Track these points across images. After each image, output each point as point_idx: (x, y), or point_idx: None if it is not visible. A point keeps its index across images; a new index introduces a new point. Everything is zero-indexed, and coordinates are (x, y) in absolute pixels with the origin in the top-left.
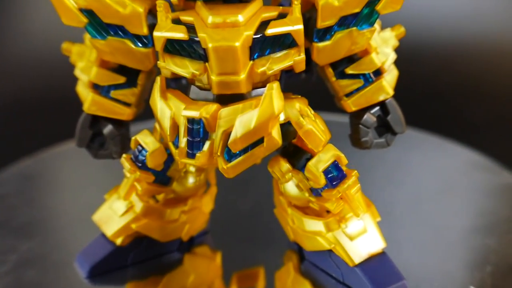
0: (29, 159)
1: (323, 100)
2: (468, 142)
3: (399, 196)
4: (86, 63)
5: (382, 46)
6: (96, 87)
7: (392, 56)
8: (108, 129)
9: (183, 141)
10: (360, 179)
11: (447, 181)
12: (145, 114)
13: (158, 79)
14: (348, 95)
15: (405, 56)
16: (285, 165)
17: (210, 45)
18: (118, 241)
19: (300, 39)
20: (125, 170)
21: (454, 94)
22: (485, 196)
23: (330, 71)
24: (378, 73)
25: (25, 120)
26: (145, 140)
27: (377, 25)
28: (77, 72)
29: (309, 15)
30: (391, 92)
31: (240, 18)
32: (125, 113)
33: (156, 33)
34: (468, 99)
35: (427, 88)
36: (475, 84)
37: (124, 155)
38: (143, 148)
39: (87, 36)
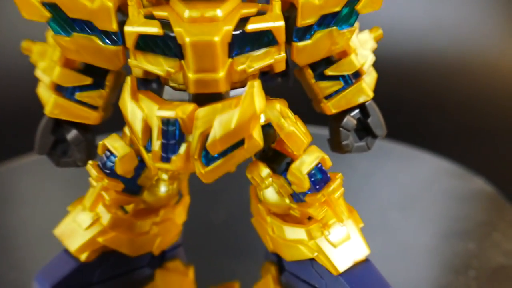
0: None
1: (296, 111)
2: (437, 151)
3: (374, 204)
4: (48, 63)
5: (360, 48)
6: (59, 89)
7: (371, 58)
8: (72, 134)
9: (156, 144)
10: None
11: (420, 188)
12: (112, 121)
13: (128, 79)
14: (328, 97)
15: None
16: (265, 170)
17: (187, 39)
18: (83, 257)
19: (281, 37)
20: (91, 178)
21: (420, 104)
22: (460, 202)
23: (309, 73)
24: (358, 75)
25: None
26: (114, 144)
27: (356, 25)
28: (38, 73)
29: (287, 15)
30: (371, 94)
31: (219, 12)
32: (91, 117)
33: (127, 28)
34: (435, 109)
35: (394, 99)
36: (441, 95)
37: (90, 162)
38: (111, 153)
39: (50, 33)
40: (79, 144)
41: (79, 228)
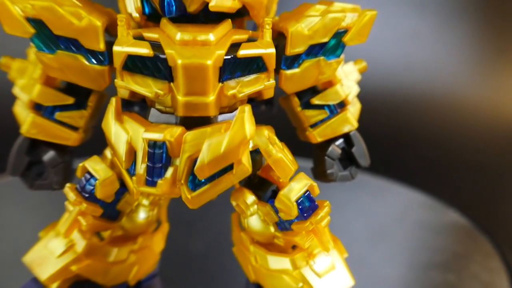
0: None
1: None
2: (411, 183)
3: (349, 236)
4: (27, 80)
5: (345, 79)
6: (38, 108)
7: (355, 89)
8: (49, 155)
9: (141, 167)
10: None
11: (395, 220)
12: (91, 143)
13: (113, 100)
14: (313, 126)
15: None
16: (250, 197)
17: (179, 61)
18: (54, 286)
19: (272, 64)
20: (68, 202)
21: (394, 138)
22: (436, 234)
23: (296, 101)
24: (343, 105)
25: None
26: (95, 167)
27: (342, 56)
28: (16, 90)
29: (276, 43)
30: (355, 124)
31: (211, 37)
32: (71, 138)
33: (116, 48)
34: (408, 143)
35: (368, 132)
36: (414, 129)
37: (68, 185)
38: (92, 176)
39: (31, 50)
40: (56, 166)
41: (51, 256)
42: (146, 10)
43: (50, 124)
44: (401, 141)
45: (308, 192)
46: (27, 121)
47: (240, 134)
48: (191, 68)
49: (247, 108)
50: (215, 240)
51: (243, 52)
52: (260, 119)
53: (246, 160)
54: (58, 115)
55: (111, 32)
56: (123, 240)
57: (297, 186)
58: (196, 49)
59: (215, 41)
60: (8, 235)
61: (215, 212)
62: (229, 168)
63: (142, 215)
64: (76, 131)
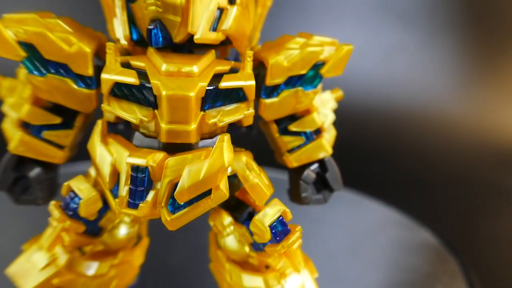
0: None
1: (260, 155)
2: (386, 199)
3: (323, 249)
4: (17, 99)
5: (322, 107)
6: (26, 126)
7: (331, 116)
8: (35, 172)
9: (124, 189)
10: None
11: (368, 237)
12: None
13: (99, 122)
14: (290, 151)
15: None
16: (227, 218)
17: (164, 92)
18: None
19: (251, 94)
20: (52, 218)
21: (371, 153)
22: (406, 253)
23: (274, 127)
24: (318, 131)
25: None
26: (80, 186)
27: (319, 86)
28: (5, 108)
29: (257, 72)
30: (330, 150)
31: (195, 68)
32: (56, 156)
33: (104, 76)
34: (386, 158)
35: (346, 145)
36: (392, 144)
37: (52, 202)
38: (76, 195)
39: (22, 71)
40: (41, 182)
41: (34, 268)
42: (134, 36)
43: (37, 142)
44: (382, 156)
45: (281, 217)
46: (15, 138)
47: (218, 162)
48: (174, 99)
49: (226, 138)
50: (193, 253)
51: (224, 84)
52: (240, 141)
53: (223, 186)
54: (45, 133)
55: (100, 56)
56: (104, 254)
57: (270, 212)
58: (181, 80)
59: (198, 73)
60: None
61: (194, 226)
62: (208, 193)
63: (123, 231)
64: (62, 149)
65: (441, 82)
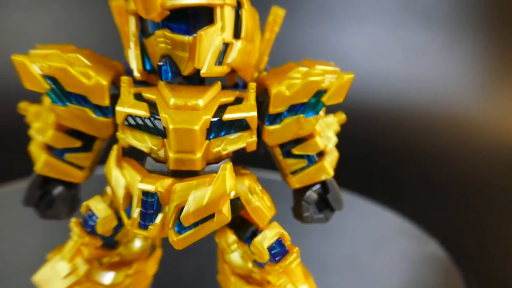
0: None
1: (269, 159)
2: (397, 206)
3: (331, 256)
4: (42, 124)
5: (325, 130)
6: (50, 149)
7: (334, 139)
8: (58, 190)
9: (136, 211)
10: (298, 237)
11: (376, 246)
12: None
13: (114, 147)
14: (293, 172)
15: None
16: (231, 237)
17: (171, 126)
18: None
19: (253, 124)
20: (72, 233)
21: (386, 157)
22: (411, 265)
23: (278, 150)
24: (321, 154)
25: None
26: (97, 206)
27: (321, 112)
28: (32, 132)
29: (262, 99)
30: (331, 173)
31: (201, 102)
32: (77, 176)
33: (118, 108)
34: (400, 162)
35: (360, 150)
36: (407, 148)
37: (73, 219)
38: (93, 213)
39: (46, 99)
40: (64, 199)
41: (57, 277)
42: (147, 67)
43: (60, 164)
44: (402, 158)
45: (279, 239)
46: (40, 160)
47: (221, 189)
48: (181, 132)
49: (229, 166)
50: (204, 262)
51: (227, 116)
52: (248, 156)
53: (226, 210)
54: (67, 156)
55: (116, 84)
56: (119, 265)
57: (269, 235)
58: (187, 113)
59: (203, 106)
60: (17, 244)
61: (206, 236)
62: (211, 216)
63: (137, 244)
64: (82, 170)
65: (464, 83)
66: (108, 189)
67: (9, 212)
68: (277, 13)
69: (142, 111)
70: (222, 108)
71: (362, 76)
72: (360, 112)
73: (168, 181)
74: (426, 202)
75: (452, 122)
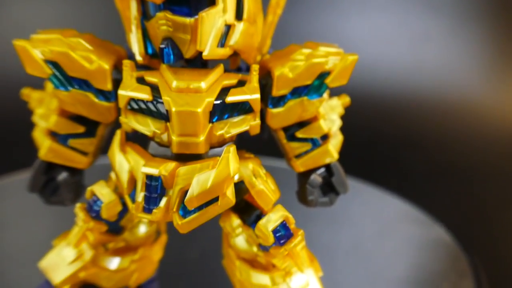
0: None
1: (273, 147)
2: (403, 192)
3: (337, 243)
4: (45, 110)
5: (329, 113)
6: (53, 134)
7: (338, 122)
8: (62, 176)
9: (140, 195)
10: (304, 223)
11: (382, 231)
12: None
13: (118, 132)
14: (297, 156)
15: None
16: (236, 221)
17: (173, 109)
18: None
19: (257, 107)
20: (78, 219)
21: (392, 143)
22: (418, 250)
23: (281, 134)
24: (325, 137)
25: None
26: (101, 191)
27: (325, 94)
28: (36, 118)
29: (265, 82)
30: (336, 156)
31: (203, 84)
32: (82, 162)
33: (121, 92)
34: (405, 149)
35: (365, 137)
36: (413, 135)
37: (78, 205)
38: (98, 198)
39: (48, 85)
40: (68, 185)
41: (63, 263)
42: (149, 51)
43: (64, 150)
44: (407, 145)
45: (284, 222)
46: (44, 146)
47: (225, 172)
48: (183, 114)
49: (232, 149)
50: (210, 247)
51: (230, 99)
52: (252, 143)
53: (230, 193)
54: (71, 141)
55: (119, 68)
56: (125, 250)
57: (274, 217)
58: (189, 96)
59: (206, 88)
60: (22, 232)
61: (210, 221)
62: (215, 199)
63: (142, 229)
64: (86, 155)
65: (469, 69)
66: (113, 175)
67: (14, 201)
68: None
69: (144, 95)
70: (225, 91)
71: (367, 63)
72: (365, 99)
73: (171, 164)
74: (432, 187)
75: (458, 108)
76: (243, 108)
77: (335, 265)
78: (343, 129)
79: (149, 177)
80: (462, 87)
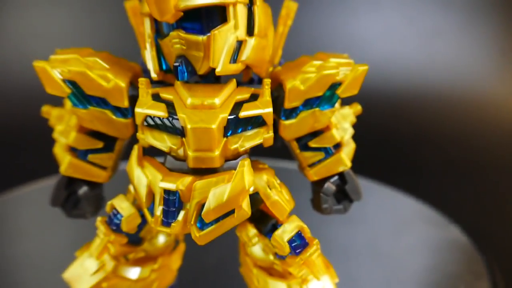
0: None
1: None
2: (418, 190)
3: (351, 244)
4: (65, 127)
5: (341, 122)
6: (73, 150)
7: (350, 131)
8: (83, 190)
9: (158, 209)
10: (318, 225)
11: (397, 232)
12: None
13: (135, 147)
14: (311, 165)
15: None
16: (252, 230)
17: (189, 126)
18: None
19: (269, 120)
20: (99, 231)
21: (404, 142)
22: (433, 252)
23: (295, 144)
24: (338, 145)
25: None
26: (121, 205)
27: (337, 104)
28: (56, 135)
29: (277, 94)
30: (349, 164)
31: (217, 101)
32: (101, 176)
33: (137, 109)
34: (419, 147)
35: (378, 135)
36: (426, 132)
37: (99, 218)
38: (118, 212)
39: (67, 102)
40: (89, 198)
41: (86, 273)
42: (164, 67)
43: (84, 165)
44: (421, 143)
45: (299, 232)
46: (64, 162)
47: (240, 185)
48: (198, 131)
49: (247, 163)
50: (227, 255)
51: (244, 114)
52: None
53: (245, 206)
54: (90, 157)
55: (135, 84)
56: (145, 260)
57: (289, 228)
58: (204, 113)
59: (219, 104)
60: (43, 242)
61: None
62: (231, 212)
63: (161, 239)
64: (105, 170)
65: (482, 64)
66: (131, 188)
67: (35, 210)
68: (290, 7)
69: (160, 112)
70: (238, 105)
71: (379, 61)
72: (378, 98)
73: (188, 179)
74: (447, 186)
75: (471, 103)
76: (257, 121)
77: (350, 266)
78: (356, 128)
79: (167, 191)
80: (475, 82)
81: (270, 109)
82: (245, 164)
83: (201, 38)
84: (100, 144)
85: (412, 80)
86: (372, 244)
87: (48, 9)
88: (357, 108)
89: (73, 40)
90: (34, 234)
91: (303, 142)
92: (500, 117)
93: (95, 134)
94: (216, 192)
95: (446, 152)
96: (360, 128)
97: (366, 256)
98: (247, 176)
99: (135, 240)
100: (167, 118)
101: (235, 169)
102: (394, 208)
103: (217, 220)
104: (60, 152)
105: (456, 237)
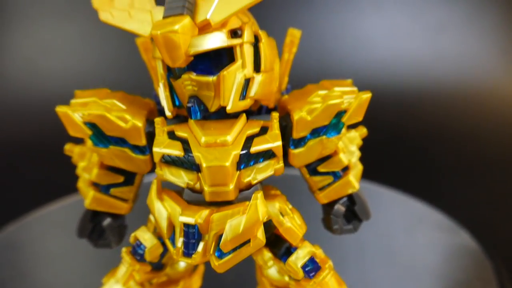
0: (11, 225)
1: None
2: (427, 194)
3: (358, 247)
4: (87, 163)
5: (348, 145)
6: (96, 185)
7: (357, 153)
8: (107, 222)
9: (179, 241)
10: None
11: (405, 238)
12: None
13: (154, 181)
14: (321, 189)
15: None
16: (267, 254)
17: (204, 164)
18: None
19: (279, 152)
20: (124, 261)
21: (414, 141)
22: (442, 258)
23: (304, 169)
24: (345, 169)
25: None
26: (144, 236)
27: (343, 130)
28: (79, 171)
29: (285, 123)
30: (357, 186)
31: (229, 138)
32: (123, 208)
33: (155, 149)
34: (429, 146)
35: (387, 135)
36: (436, 131)
37: (123, 249)
38: (141, 243)
39: (89, 141)
40: (113, 229)
41: None
42: (177, 103)
43: (107, 198)
44: (430, 141)
45: (312, 257)
46: (88, 196)
47: (254, 217)
48: (213, 169)
49: (260, 195)
50: (245, 273)
51: (255, 149)
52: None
53: (260, 235)
54: (112, 190)
55: (150, 120)
56: (167, 284)
57: (302, 254)
58: (217, 150)
59: (231, 141)
60: (70, 267)
61: None
62: (248, 241)
63: (182, 264)
64: (126, 202)
65: (489, 58)
66: (151, 217)
67: (58, 232)
68: (294, 34)
69: (176, 151)
70: (249, 140)
71: (386, 59)
72: (385, 96)
73: (205, 212)
74: (457, 191)
75: (482, 101)
76: (267, 154)
77: (357, 271)
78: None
79: (186, 225)
80: (483, 76)
81: (279, 143)
82: (258, 197)
83: (211, 79)
84: (121, 179)
85: (419, 77)
86: (380, 249)
87: (56, 23)
88: (363, 131)
89: (81, 55)
90: (59, 256)
91: (312, 167)
92: (506, 111)
93: (116, 169)
94: (232, 224)
95: (456, 152)
96: (368, 128)
97: (374, 261)
98: (260, 208)
99: (157, 266)
100: (184, 156)
101: (249, 199)
102: (403, 212)
103: (234, 249)
104: (84, 187)
105: (466, 243)
